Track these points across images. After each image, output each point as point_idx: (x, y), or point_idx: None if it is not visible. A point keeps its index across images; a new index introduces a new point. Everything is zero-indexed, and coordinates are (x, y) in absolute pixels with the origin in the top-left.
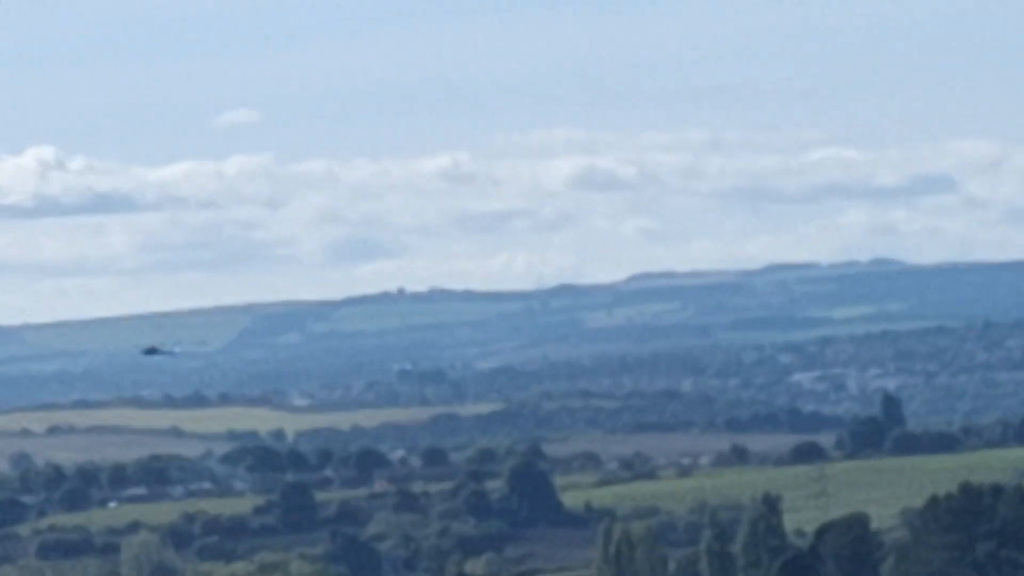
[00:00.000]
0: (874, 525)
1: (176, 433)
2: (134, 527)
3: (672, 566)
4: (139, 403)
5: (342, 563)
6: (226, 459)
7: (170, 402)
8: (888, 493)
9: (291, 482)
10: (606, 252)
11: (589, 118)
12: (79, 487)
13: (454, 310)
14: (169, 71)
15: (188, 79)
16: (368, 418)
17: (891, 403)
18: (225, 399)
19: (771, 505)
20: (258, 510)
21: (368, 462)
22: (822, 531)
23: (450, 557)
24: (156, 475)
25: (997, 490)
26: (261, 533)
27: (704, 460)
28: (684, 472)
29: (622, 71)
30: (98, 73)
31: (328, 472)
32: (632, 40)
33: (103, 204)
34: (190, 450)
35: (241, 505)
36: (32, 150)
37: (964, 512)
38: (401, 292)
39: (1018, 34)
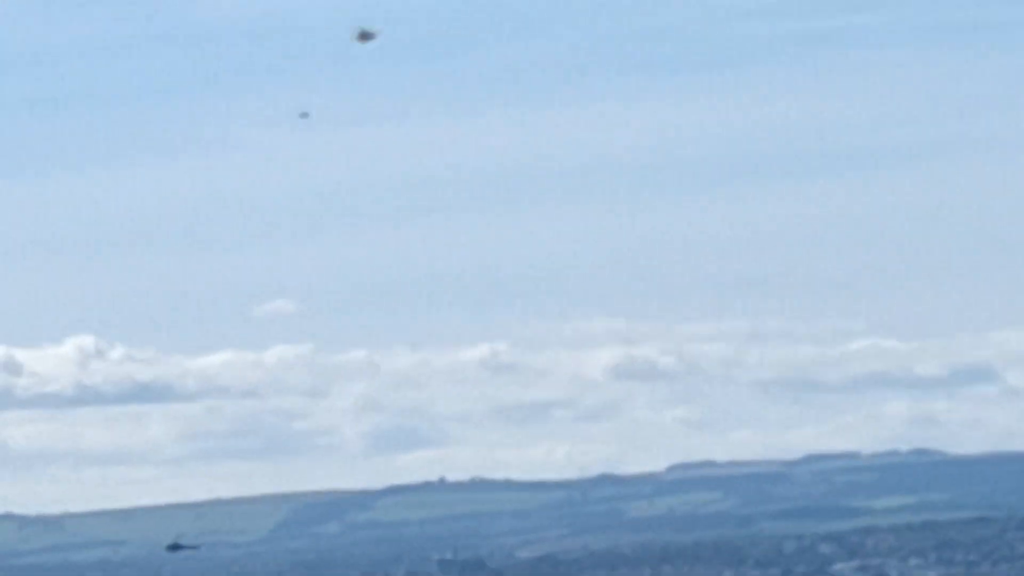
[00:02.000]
0: None
1: None
2: None
3: None
4: None
5: None
6: None
7: None
8: None
9: None
10: (647, 441)
11: (629, 308)
12: None
13: (495, 499)
14: (208, 261)
15: (227, 269)
16: None
17: None
18: None
19: None
20: None
21: None
22: None
23: None
24: None
25: None
26: None
27: None
28: None
29: (661, 261)
30: (137, 262)
31: None
32: (670, 231)
33: (143, 393)
34: None
35: None
36: (72, 339)
37: None
38: (442, 481)
39: None
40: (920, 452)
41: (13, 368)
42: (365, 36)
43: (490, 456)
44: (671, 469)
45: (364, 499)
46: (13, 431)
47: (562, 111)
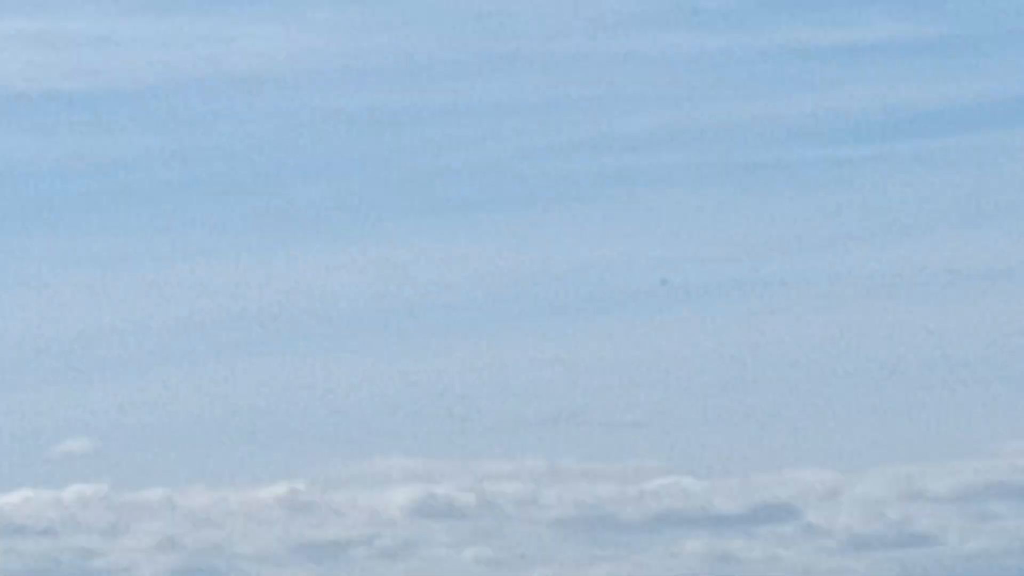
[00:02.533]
0: None
1: None
2: None
3: None
4: None
5: None
6: None
7: None
8: None
9: None
10: None
11: (427, 446)
12: None
13: None
14: (4, 400)
15: (24, 408)
16: None
17: None
18: None
19: None
20: None
21: None
22: None
23: None
24: None
25: None
26: None
27: None
28: None
29: (458, 399)
30: None
31: None
32: (468, 368)
33: None
34: None
35: None
36: None
37: None
38: None
39: (854, 365)
40: None
41: None
42: None
43: None
44: None
45: None
46: None
47: (361, 249)
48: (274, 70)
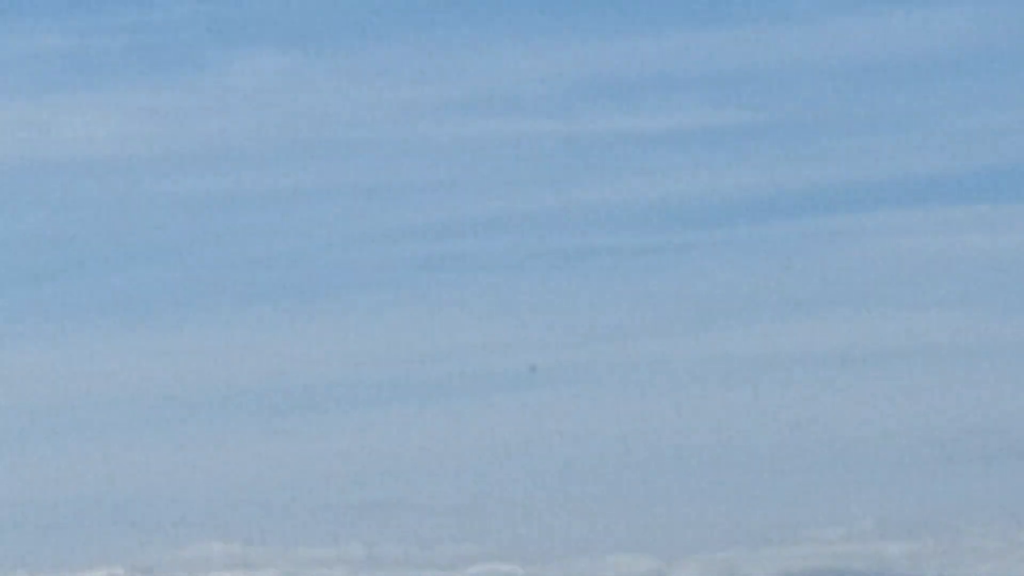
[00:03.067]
0: None
1: None
2: None
3: None
4: None
5: None
6: None
7: None
8: None
9: None
10: None
11: (245, 532)
12: None
13: None
14: None
15: None
16: None
17: None
18: None
19: None
20: None
21: None
22: None
23: None
24: None
25: None
26: None
27: None
28: None
29: (277, 486)
30: None
31: None
32: (287, 455)
33: None
34: None
35: None
36: None
37: None
38: None
39: (671, 451)
40: None
41: None
42: None
43: None
44: None
45: None
46: None
47: (176, 336)
48: (92, 156)
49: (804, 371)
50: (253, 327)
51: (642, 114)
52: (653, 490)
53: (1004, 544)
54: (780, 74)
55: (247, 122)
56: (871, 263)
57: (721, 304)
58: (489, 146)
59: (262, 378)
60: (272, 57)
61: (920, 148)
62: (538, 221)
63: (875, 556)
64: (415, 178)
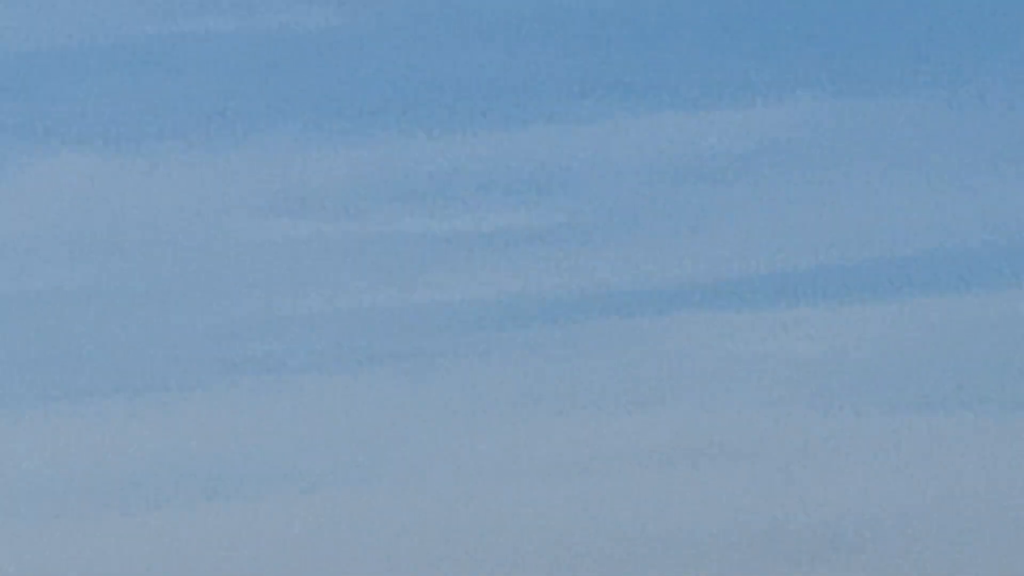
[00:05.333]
0: None
1: None
2: None
3: None
4: None
5: None
6: None
7: None
8: None
9: None
10: None
11: None
12: None
13: None
14: None
15: None
16: None
17: None
18: None
19: None
20: None
21: None
22: None
23: None
24: None
25: None
26: None
27: None
28: None
29: None
30: None
31: None
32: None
33: None
34: None
35: None
36: None
37: None
38: None
39: (472, 544)
40: None
41: None
42: None
43: None
44: None
45: None
46: None
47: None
48: None
49: (611, 470)
50: (48, 422)
51: (443, 215)
52: None
53: None
54: (586, 175)
55: (47, 220)
56: (680, 364)
57: (526, 404)
58: (291, 246)
59: (55, 478)
60: (74, 156)
61: (732, 249)
62: (339, 323)
63: None
64: (216, 278)
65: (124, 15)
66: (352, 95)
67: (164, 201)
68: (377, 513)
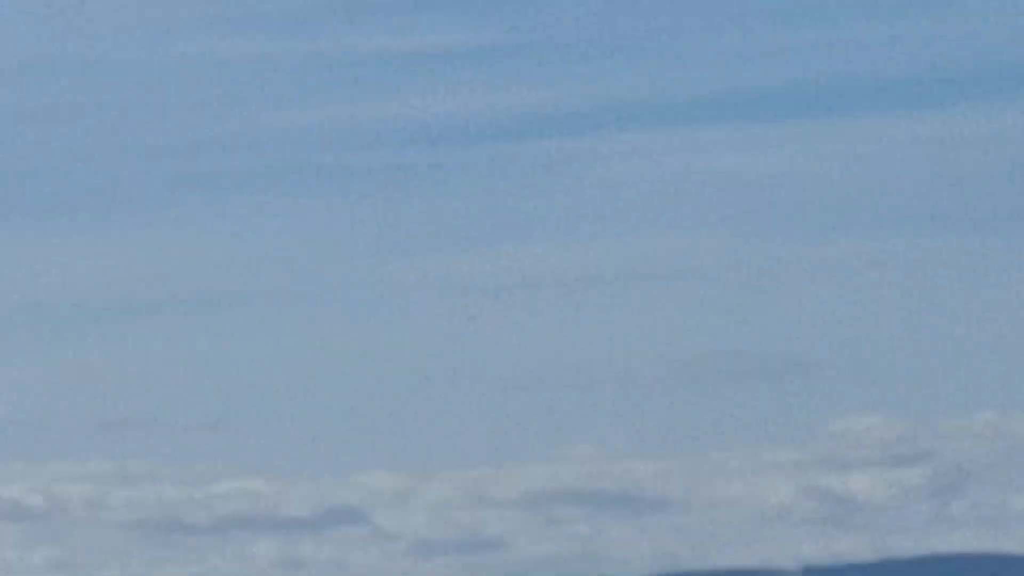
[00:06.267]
0: None
1: None
2: None
3: None
4: None
5: None
6: None
7: None
8: None
9: None
10: None
11: None
12: None
13: None
14: None
15: None
16: None
17: None
18: None
19: None
20: None
21: None
22: None
23: None
24: None
25: None
26: None
27: None
28: None
29: (26, 402)
30: None
31: None
32: (35, 371)
33: None
34: None
35: None
36: None
37: None
38: None
39: (423, 369)
40: None
41: None
42: None
43: None
44: None
45: None
46: None
47: None
48: None
49: (551, 292)
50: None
51: (389, 34)
52: (400, 408)
53: (751, 463)
54: None
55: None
56: (616, 184)
57: (466, 225)
58: (238, 65)
59: (9, 295)
60: None
61: (665, 70)
62: (287, 139)
63: (623, 476)
64: (165, 97)
65: None
66: None
67: (113, 21)
68: (331, 324)
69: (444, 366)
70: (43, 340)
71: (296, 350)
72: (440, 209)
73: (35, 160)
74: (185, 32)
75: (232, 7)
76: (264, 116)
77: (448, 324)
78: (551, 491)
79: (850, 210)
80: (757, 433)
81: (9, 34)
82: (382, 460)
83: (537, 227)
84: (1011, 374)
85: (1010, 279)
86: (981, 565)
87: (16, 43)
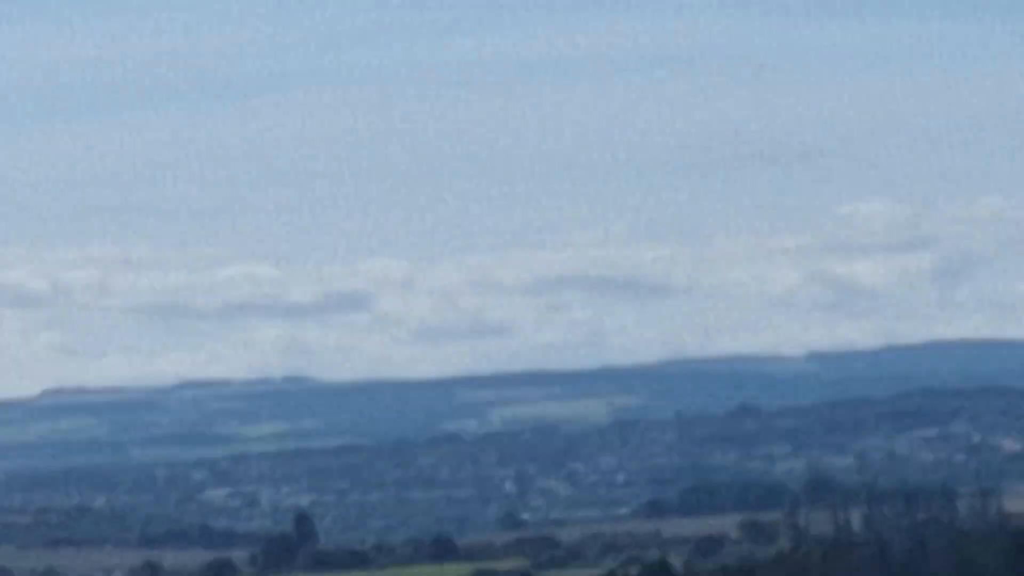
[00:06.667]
0: None
1: None
2: None
3: None
4: None
5: None
6: None
7: None
8: None
9: None
10: (19, 367)
11: None
12: None
13: None
14: None
15: None
16: None
17: (303, 520)
18: None
19: None
20: None
21: None
22: None
23: None
24: None
25: None
26: None
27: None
28: None
29: (28, 186)
30: None
31: None
32: (37, 156)
33: None
34: None
35: None
36: None
37: None
38: None
39: (424, 154)
40: (292, 379)
41: None
42: None
43: None
44: (43, 395)
45: None
46: None
47: None
48: None
49: (553, 79)
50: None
51: None
52: (404, 195)
53: (755, 250)
54: None
55: None
56: None
57: (477, 6)
58: None
59: (9, 80)
60: None
61: None
62: None
63: (628, 262)
64: None
65: None
66: None
67: None
68: (335, 110)
69: (449, 154)
70: (47, 125)
71: (303, 136)
72: None
73: None
74: None
75: None
76: None
77: (447, 109)
78: (555, 277)
79: None
80: (762, 220)
81: None
82: (386, 247)
83: (539, 10)
84: (1016, 160)
85: (1017, 66)
86: (985, 351)
87: None
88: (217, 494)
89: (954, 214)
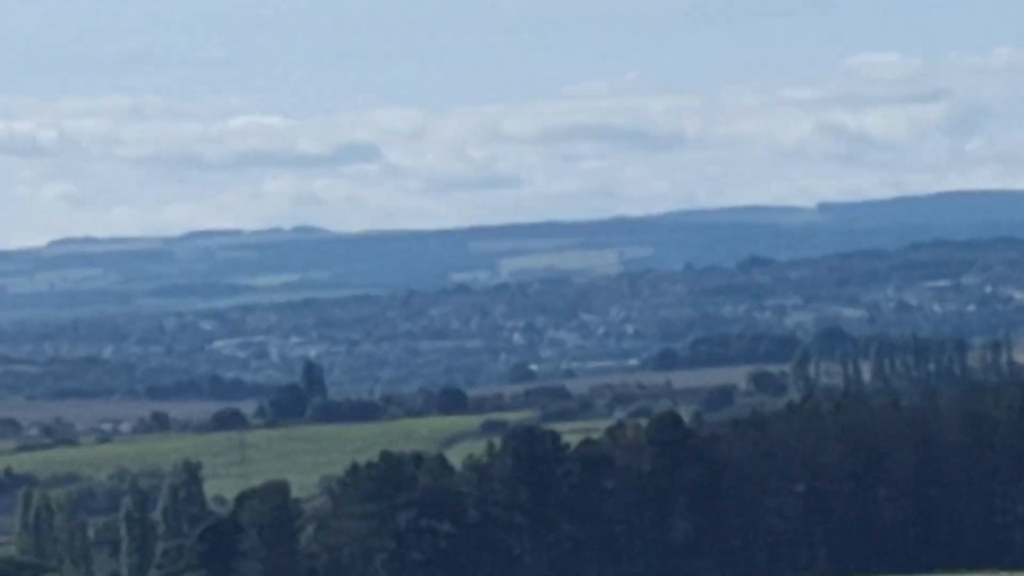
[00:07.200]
0: (295, 493)
1: None
2: None
3: (92, 533)
4: None
5: None
6: None
7: None
8: (309, 461)
9: None
10: (27, 217)
11: (7, 83)
12: None
13: None
14: None
15: None
16: None
17: (312, 371)
18: None
19: (191, 472)
20: None
21: None
22: (242, 499)
23: None
24: None
25: (418, 459)
26: None
27: (125, 427)
28: (105, 439)
29: (37, 36)
30: None
31: None
32: (49, 7)
33: None
34: None
35: None
36: None
37: (384, 481)
38: None
39: (426, 3)
40: (302, 229)
41: None
42: None
43: None
44: (51, 245)
45: None
46: None
47: None
48: None
49: None
50: None
51: None
52: (414, 45)
53: (763, 101)
54: None
55: None
56: None
57: None
58: None
59: None
60: None
61: None
62: None
63: (636, 111)
64: None
65: None
66: None
67: None
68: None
69: (460, 4)
70: None
71: None
72: None
73: None
74: None
75: None
76: None
77: None
78: (566, 128)
79: None
80: (772, 70)
81: None
82: (396, 96)
83: None
84: None
85: None
86: (997, 202)
87: None
88: (226, 345)
89: (967, 64)
